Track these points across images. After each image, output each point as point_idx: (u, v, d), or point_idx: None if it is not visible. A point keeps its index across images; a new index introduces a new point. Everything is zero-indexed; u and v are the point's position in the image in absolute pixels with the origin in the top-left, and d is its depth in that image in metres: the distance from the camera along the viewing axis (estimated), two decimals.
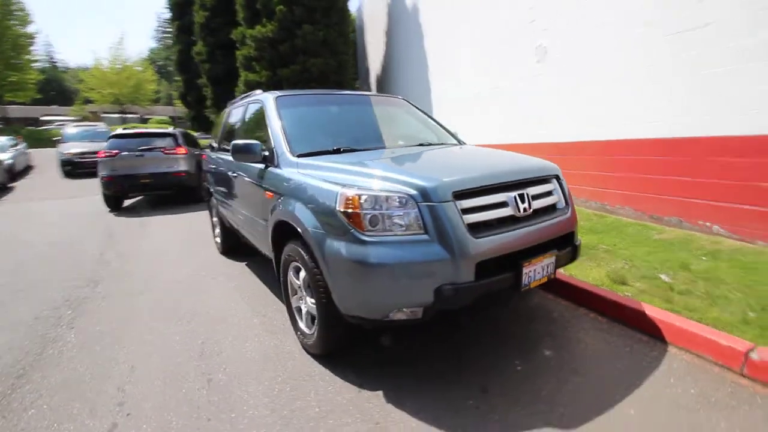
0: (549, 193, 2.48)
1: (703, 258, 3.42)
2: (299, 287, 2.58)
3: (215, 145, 4.68)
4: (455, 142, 3.52)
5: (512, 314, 2.95)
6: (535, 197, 2.35)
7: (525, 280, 2.16)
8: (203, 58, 14.04)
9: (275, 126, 3.01)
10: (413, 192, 2.03)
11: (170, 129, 8.84)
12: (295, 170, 2.61)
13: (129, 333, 2.95)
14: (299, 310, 2.66)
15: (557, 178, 2.58)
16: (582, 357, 2.40)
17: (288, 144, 2.85)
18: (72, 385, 2.35)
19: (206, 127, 16.09)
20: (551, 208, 2.47)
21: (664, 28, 4.05)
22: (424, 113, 3.87)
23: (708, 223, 3.88)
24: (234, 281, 3.91)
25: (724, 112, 3.60)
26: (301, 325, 2.62)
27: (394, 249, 1.97)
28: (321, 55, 11.30)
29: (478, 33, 7.15)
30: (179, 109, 29.01)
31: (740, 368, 2.12)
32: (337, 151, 2.83)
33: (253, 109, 3.63)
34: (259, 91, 3.96)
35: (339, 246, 2.06)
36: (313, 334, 2.46)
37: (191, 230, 6.11)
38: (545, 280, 2.29)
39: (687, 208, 4.01)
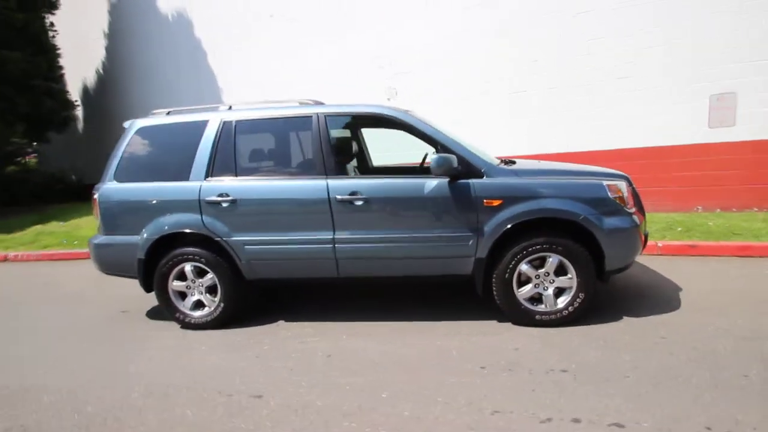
0: None
1: None
2: (537, 276, 2.97)
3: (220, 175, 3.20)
4: None
5: None
6: None
7: None
8: None
9: (446, 138, 3.06)
10: (626, 180, 3.17)
11: None
12: (515, 177, 2.99)
13: None
14: (536, 297, 3.01)
15: None
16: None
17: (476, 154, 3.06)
18: None
19: None
20: None
21: (496, 91, 6.57)
22: None
23: None
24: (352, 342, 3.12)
25: (541, 140, 6.47)
26: (541, 309, 3.00)
27: (638, 216, 3.05)
28: (17, 47, 7.70)
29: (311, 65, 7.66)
30: None
31: (657, 252, 4.59)
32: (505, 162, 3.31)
33: (344, 122, 3.22)
34: (310, 101, 3.33)
35: (617, 221, 2.89)
36: (563, 308, 2.95)
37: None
38: None
39: None
